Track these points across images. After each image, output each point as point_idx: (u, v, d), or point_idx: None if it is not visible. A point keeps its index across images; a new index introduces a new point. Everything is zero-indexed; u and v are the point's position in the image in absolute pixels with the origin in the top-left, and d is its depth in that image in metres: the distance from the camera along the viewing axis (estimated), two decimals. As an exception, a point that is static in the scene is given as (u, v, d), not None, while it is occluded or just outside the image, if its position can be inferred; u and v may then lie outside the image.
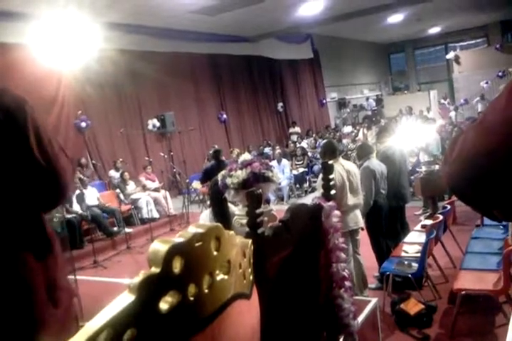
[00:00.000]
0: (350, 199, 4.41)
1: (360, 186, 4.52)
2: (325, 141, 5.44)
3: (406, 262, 4.41)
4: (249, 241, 1.16)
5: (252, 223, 1.46)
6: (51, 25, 8.23)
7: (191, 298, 0.86)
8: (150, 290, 0.77)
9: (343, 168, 4.42)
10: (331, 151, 4.60)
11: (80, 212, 7.43)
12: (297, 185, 10.83)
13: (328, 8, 11.86)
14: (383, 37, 20.59)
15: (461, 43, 21.54)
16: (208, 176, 7.29)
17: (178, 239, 0.85)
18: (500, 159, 0.76)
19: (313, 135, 14.85)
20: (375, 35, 19.63)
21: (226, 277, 0.98)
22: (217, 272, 0.95)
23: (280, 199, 10.08)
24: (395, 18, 15.48)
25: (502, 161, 0.75)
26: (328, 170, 2.06)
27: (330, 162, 4.35)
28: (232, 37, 13.37)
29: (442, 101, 18.54)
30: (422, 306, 4.03)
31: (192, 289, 0.87)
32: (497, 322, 3.86)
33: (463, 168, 0.81)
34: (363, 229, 4.67)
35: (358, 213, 4.51)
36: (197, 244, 0.88)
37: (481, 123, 0.81)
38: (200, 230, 0.90)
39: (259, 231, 1.46)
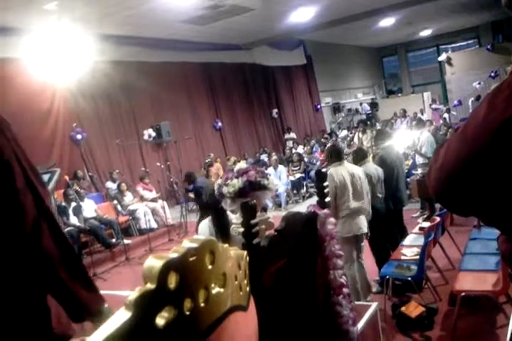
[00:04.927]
0: (353, 203, 4.41)
1: (365, 190, 4.51)
2: (329, 144, 5.44)
3: (405, 265, 4.42)
4: (244, 252, 1.17)
5: (247, 234, 1.47)
6: (44, 38, 8.26)
7: (187, 313, 0.86)
8: (146, 306, 0.78)
9: (347, 171, 4.43)
10: (336, 154, 4.60)
11: (78, 224, 7.42)
12: (294, 191, 10.82)
13: (319, 14, 11.93)
14: (375, 41, 20.68)
15: (453, 45, 21.67)
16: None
17: (172, 254, 0.85)
18: (480, 167, 0.77)
19: (310, 141, 14.77)
20: (367, 39, 19.72)
21: (222, 290, 0.99)
22: (212, 285, 0.96)
23: (278, 205, 10.08)
24: (386, 22, 15.58)
25: (483, 169, 0.77)
26: (321, 178, 2.07)
27: (335, 164, 4.41)
28: (225, 45, 13.42)
29: (434, 106, 18.43)
30: (423, 309, 4.03)
31: (188, 303, 0.87)
32: (498, 323, 3.86)
33: (446, 175, 0.83)
34: (368, 234, 4.64)
35: (362, 218, 4.48)
36: (191, 259, 0.88)
37: (462, 132, 0.82)
38: (194, 245, 0.91)
39: (255, 241, 1.47)
